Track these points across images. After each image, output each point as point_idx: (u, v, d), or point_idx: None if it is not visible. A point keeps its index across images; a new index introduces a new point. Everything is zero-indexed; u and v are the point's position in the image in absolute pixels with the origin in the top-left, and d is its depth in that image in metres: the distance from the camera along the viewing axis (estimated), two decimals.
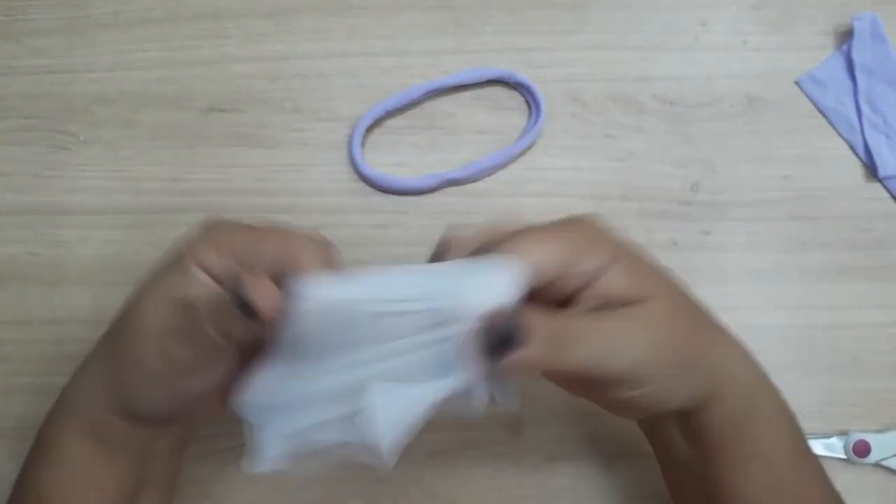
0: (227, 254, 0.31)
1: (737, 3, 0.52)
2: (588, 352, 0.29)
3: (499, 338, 0.27)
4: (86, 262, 0.49)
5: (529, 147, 0.50)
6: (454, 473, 0.46)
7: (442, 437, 0.46)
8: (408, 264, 0.30)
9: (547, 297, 0.31)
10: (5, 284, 0.49)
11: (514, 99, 0.51)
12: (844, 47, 0.50)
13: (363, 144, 0.50)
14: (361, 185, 0.50)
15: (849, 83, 0.50)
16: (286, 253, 0.30)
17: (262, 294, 0.28)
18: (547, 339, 0.28)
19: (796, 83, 0.50)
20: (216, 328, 0.29)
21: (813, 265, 0.48)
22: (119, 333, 0.33)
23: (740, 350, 0.34)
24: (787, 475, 0.33)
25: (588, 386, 0.33)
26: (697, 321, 0.34)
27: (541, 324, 0.28)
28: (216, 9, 0.53)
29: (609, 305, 0.31)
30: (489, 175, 0.50)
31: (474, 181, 0.50)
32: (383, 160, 0.50)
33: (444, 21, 0.52)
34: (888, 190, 0.49)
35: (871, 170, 0.49)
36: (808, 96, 0.50)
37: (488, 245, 0.31)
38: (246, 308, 0.28)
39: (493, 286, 0.28)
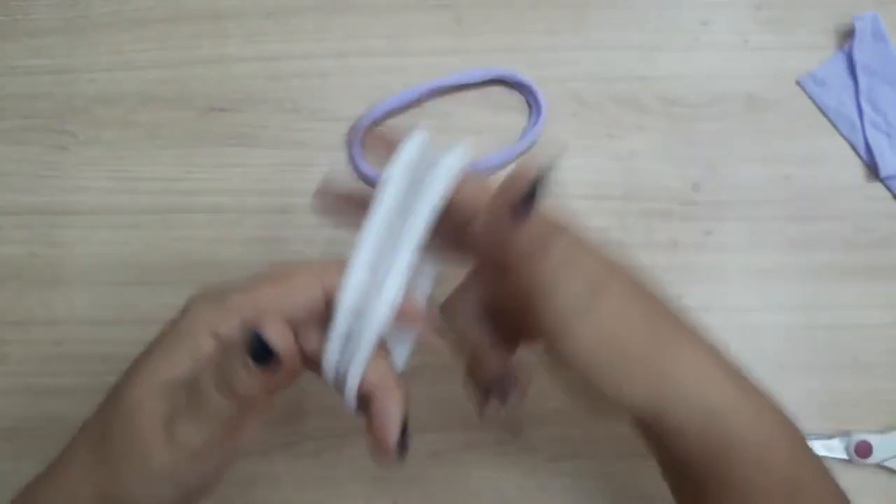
0: (231, 317, 0.29)
1: (738, 2, 0.52)
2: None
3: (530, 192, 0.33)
4: (85, 262, 0.49)
5: (530, 147, 0.50)
6: (454, 473, 0.46)
7: (442, 438, 0.46)
8: None
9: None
10: (5, 284, 0.49)
11: (515, 99, 0.51)
12: (846, 47, 0.50)
13: (363, 144, 0.50)
14: (361, 185, 0.50)
15: (850, 83, 0.50)
16: (284, 296, 0.30)
17: (277, 332, 0.28)
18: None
19: (797, 83, 0.50)
20: (225, 392, 0.28)
21: (814, 265, 0.48)
22: (112, 431, 0.30)
23: (706, 366, 0.32)
24: None
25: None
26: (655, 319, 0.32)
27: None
28: (216, 9, 0.52)
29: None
30: (489, 175, 0.50)
31: None
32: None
33: (444, 21, 0.52)
34: (889, 189, 0.49)
35: (872, 169, 0.49)
36: (809, 96, 0.50)
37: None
38: (259, 355, 0.28)
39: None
